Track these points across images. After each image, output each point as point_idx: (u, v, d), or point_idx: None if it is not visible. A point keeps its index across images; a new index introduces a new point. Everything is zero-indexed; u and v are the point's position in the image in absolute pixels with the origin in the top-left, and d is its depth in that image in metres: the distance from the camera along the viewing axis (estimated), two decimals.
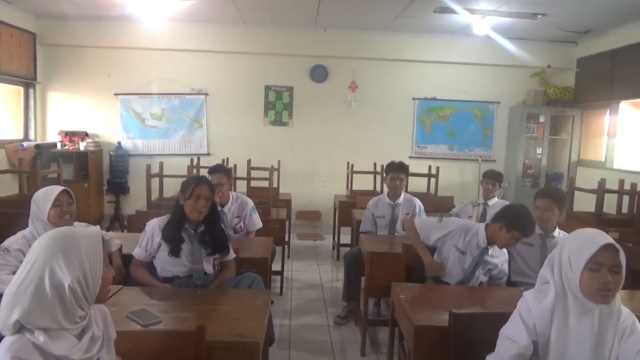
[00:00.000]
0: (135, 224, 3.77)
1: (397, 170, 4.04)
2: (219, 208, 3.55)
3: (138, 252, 2.64)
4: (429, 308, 2.28)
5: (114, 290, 2.23)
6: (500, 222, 2.60)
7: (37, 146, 6.29)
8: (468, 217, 4.13)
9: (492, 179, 4.21)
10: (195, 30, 6.76)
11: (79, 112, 6.89)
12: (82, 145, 6.60)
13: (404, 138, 7.24)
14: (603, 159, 6.51)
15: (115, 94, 6.89)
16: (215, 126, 7.07)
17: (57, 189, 2.43)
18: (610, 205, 4.85)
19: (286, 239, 4.96)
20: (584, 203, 5.15)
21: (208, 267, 2.64)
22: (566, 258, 1.58)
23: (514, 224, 2.54)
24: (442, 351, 1.91)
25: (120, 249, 2.77)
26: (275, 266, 4.14)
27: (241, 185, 5.33)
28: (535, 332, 1.59)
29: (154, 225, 2.64)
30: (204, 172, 5.04)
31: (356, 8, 5.83)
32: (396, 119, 7.19)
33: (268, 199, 4.68)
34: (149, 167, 4.65)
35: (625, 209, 4.79)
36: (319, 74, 7.05)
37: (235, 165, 5.90)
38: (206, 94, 7.02)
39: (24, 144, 6.18)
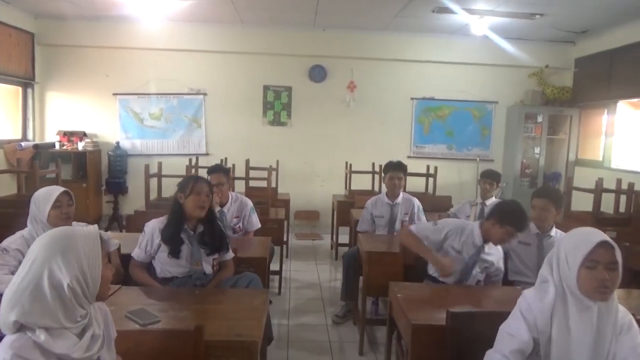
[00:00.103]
0: (134, 224, 3.78)
1: (395, 170, 4.05)
2: (218, 208, 3.57)
3: (137, 253, 2.64)
4: (426, 307, 2.29)
5: (112, 290, 2.23)
6: (493, 219, 2.62)
7: (36, 146, 6.29)
8: (466, 216, 4.14)
9: (489, 178, 4.23)
10: (194, 30, 6.77)
11: (78, 112, 6.89)
12: (80, 145, 6.60)
13: (402, 138, 7.25)
14: (601, 159, 6.53)
15: (113, 94, 6.89)
16: (213, 126, 7.08)
17: (57, 190, 2.42)
18: (607, 204, 4.87)
19: (284, 239, 4.97)
20: (582, 202, 5.17)
21: (207, 268, 2.65)
22: (563, 257, 1.59)
23: (506, 219, 2.57)
24: (440, 350, 1.92)
25: (118, 249, 2.78)
26: (274, 266, 4.15)
27: (239, 185, 5.34)
28: (536, 329, 1.60)
29: (154, 226, 2.64)
30: (202, 172, 5.05)
31: (354, 8, 5.84)
32: (394, 118, 7.20)
33: (266, 199, 4.69)
34: (147, 167, 4.66)
35: (622, 209, 4.81)
36: (317, 74, 7.06)
37: (233, 165, 5.91)
38: (205, 94, 7.03)
39: (23, 144, 6.18)
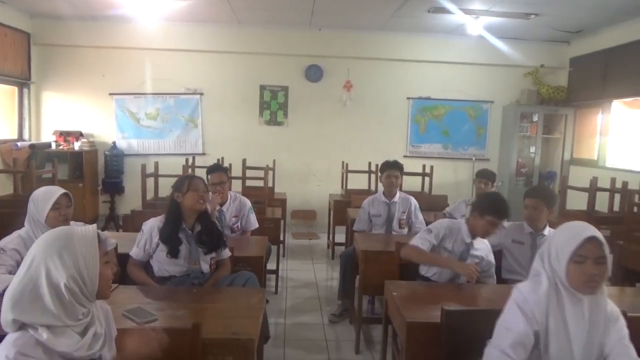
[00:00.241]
0: (131, 223, 3.79)
1: (392, 168, 4.08)
2: (218, 207, 3.59)
3: (136, 252, 2.65)
4: (421, 305, 2.31)
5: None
6: (475, 212, 2.69)
7: (32, 146, 6.28)
8: (462, 215, 4.16)
9: (485, 178, 4.25)
10: (190, 30, 6.77)
11: (74, 112, 6.88)
12: (76, 145, 6.59)
13: (398, 137, 7.28)
14: (595, 158, 6.58)
15: (110, 94, 6.89)
16: (210, 126, 7.08)
17: (57, 192, 2.42)
18: (602, 203, 4.91)
19: (281, 238, 4.98)
20: (577, 201, 5.21)
21: (205, 267, 2.67)
22: (554, 251, 1.63)
23: (486, 209, 2.63)
24: (435, 347, 1.94)
25: (115, 249, 2.78)
26: (271, 265, 4.17)
27: (236, 185, 5.33)
28: (535, 321, 1.62)
29: (152, 225, 2.66)
30: (199, 172, 5.05)
31: (351, 8, 5.86)
32: (391, 118, 7.22)
33: (263, 199, 4.70)
34: (144, 166, 4.67)
35: (617, 207, 4.85)
36: (313, 73, 7.07)
37: (230, 165, 5.90)
38: (201, 94, 7.03)
39: (19, 144, 6.17)
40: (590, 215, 4.55)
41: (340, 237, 5.43)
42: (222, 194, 3.67)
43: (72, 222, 2.47)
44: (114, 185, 6.77)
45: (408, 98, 7.24)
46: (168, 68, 6.91)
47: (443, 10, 5.65)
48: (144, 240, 2.64)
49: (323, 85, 7.10)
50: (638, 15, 5.56)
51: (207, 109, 7.06)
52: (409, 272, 2.89)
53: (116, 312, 1.94)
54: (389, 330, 2.62)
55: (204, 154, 6.99)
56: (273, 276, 4.52)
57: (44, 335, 1.27)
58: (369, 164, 6.24)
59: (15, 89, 6.54)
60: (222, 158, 6.34)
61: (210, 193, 3.59)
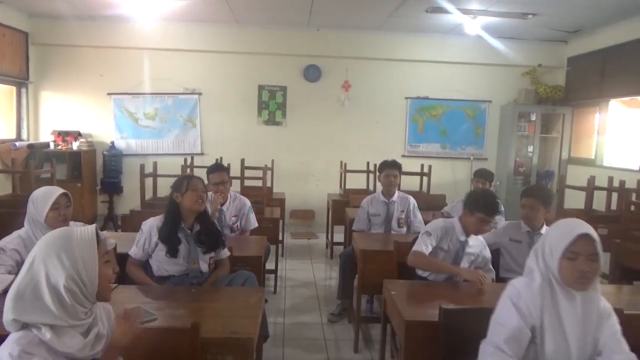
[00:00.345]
0: (130, 223, 3.79)
1: (391, 167, 4.10)
2: (219, 207, 3.60)
3: (135, 252, 2.66)
4: (419, 304, 2.33)
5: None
6: (465, 210, 2.72)
7: (30, 146, 6.28)
8: (460, 215, 4.17)
9: (482, 178, 4.26)
10: (189, 29, 6.77)
11: (72, 111, 6.88)
12: (75, 145, 6.59)
13: (396, 137, 7.29)
14: (593, 157, 6.60)
15: (108, 94, 6.89)
16: (208, 126, 7.09)
17: (56, 191, 2.42)
18: (600, 202, 4.93)
19: (280, 238, 4.99)
20: (575, 200, 5.22)
21: (204, 266, 2.68)
22: (547, 248, 1.65)
23: (474, 207, 2.67)
24: (433, 346, 1.95)
25: (114, 248, 2.79)
26: (270, 265, 4.17)
27: (235, 185, 5.32)
28: (531, 316, 1.63)
29: (152, 225, 2.67)
30: (197, 172, 5.07)
31: (349, 8, 5.87)
32: (389, 118, 7.24)
33: (262, 198, 4.70)
34: (142, 166, 4.67)
35: (614, 206, 4.86)
36: (312, 73, 7.08)
37: (229, 165, 5.89)
38: (200, 94, 7.03)
39: (17, 143, 6.17)
40: (587, 214, 4.57)
41: (339, 236, 5.43)
42: (224, 194, 3.69)
43: (71, 222, 2.48)
44: (112, 185, 6.77)
45: (406, 98, 7.25)
46: (166, 68, 6.91)
47: (441, 10, 5.67)
48: (143, 240, 2.65)
49: (321, 85, 7.11)
50: (635, 15, 5.58)
51: (205, 109, 7.06)
52: (407, 271, 2.89)
53: (116, 311, 1.95)
54: (388, 329, 2.63)
55: (202, 153, 6.99)
56: (272, 276, 4.53)
57: (47, 335, 1.28)
58: (367, 163, 6.25)
59: (14, 88, 6.54)
60: (221, 158, 6.34)
61: (211, 193, 3.63)
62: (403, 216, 4.09)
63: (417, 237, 2.87)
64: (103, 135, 6.95)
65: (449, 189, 6.32)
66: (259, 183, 4.92)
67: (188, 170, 5.60)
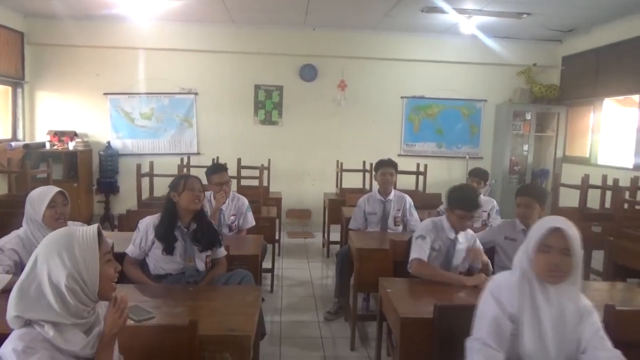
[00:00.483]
0: (127, 223, 3.80)
1: (387, 166, 4.13)
2: (220, 206, 3.64)
3: (132, 250, 2.67)
4: (415, 301, 2.35)
5: None
6: (447, 207, 2.77)
7: (26, 146, 6.27)
8: None
9: (477, 177, 4.29)
10: (185, 29, 6.78)
11: (68, 111, 6.88)
12: (71, 145, 6.59)
13: (392, 136, 7.32)
14: (588, 155, 6.64)
15: (104, 94, 6.88)
16: (205, 125, 7.09)
17: (52, 190, 2.43)
18: (594, 200, 4.96)
19: (277, 237, 5.01)
20: (569, 198, 5.26)
21: (200, 264, 2.69)
22: (527, 242, 1.69)
23: (453, 203, 2.72)
24: (428, 343, 1.97)
25: (111, 248, 2.79)
26: (266, 264, 4.19)
27: (232, 185, 5.35)
28: (510, 306, 1.65)
29: (148, 223, 2.68)
30: (194, 171, 5.08)
31: (344, 7, 5.88)
32: (385, 117, 7.26)
33: (258, 198, 4.72)
34: (139, 166, 4.67)
35: (608, 204, 4.90)
36: (308, 73, 7.09)
37: (225, 164, 5.92)
38: (196, 94, 7.04)
39: (13, 143, 6.15)
40: (582, 213, 4.60)
41: (335, 235, 5.45)
42: (227, 193, 3.72)
43: (70, 222, 2.49)
44: (108, 185, 6.77)
45: (402, 97, 7.27)
46: (162, 68, 6.92)
47: (436, 10, 5.69)
48: (140, 238, 2.66)
49: (317, 84, 7.13)
50: (629, 14, 5.63)
51: (201, 109, 7.06)
52: (403, 269, 2.91)
53: None
54: (384, 326, 2.65)
55: (198, 153, 7.00)
56: (269, 275, 4.54)
57: (50, 332, 1.31)
58: (364, 163, 6.27)
59: (9, 88, 6.53)
60: (217, 157, 6.35)
61: (210, 193, 3.66)
62: (399, 215, 4.11)
63: (412, 237, 2.87)
64: (99, 135, 6.95)
65: (444, 188, 6.20)
66: (256, 182, 4.93)
67: (184, 170, 5.61)
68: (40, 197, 2.40)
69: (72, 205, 2.53)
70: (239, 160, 5.55)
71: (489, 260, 2.84)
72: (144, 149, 6.99)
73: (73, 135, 6.73)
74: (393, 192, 4.15)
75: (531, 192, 3.04)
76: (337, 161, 6.47)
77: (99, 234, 1.44)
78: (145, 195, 4.76)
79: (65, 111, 6.87)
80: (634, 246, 3.54)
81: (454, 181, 7.24)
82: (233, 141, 7.02)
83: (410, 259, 2.72)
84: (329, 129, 7.20)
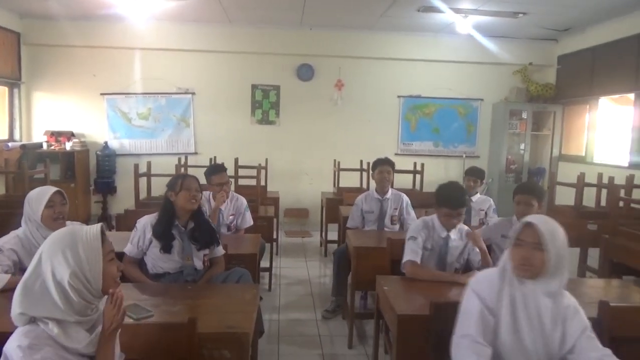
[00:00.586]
0: (124, 223, 3.80)
1: (384, 164, 4.16)
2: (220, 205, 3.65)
3: (129, 249, 2.68)
4: (411, 299, 2.36)
5: None
6: (434, 205, 2.79)
7: (23, 146, 6.27)
8: None
9: (473, 176, 4.30)
10: (182, 29, 6.78)
11: (65, 112, 6.88)
12: (68, 146, 6.59)
13: (389, 135, 7.34)
14: (583, 154, 6.68)
15: (101, 94, 6.89)
16: (202, 125, 7.10)
17: (50, 190, 2.44)
18: (590, 198, 4.99)
19: (274, 236, 5.02)
20: (566, 197, 5.29)
21: (198, 263, 2.70)
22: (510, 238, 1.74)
23: (438, 202, 2.74)
24: (425, 339, 1.98)
25: None
26: (264, 263, 4.20)
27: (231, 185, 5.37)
28: (490, 300, 1.68)
29: (146, 222, 2.69)
30: (191, 171, 5.06)
31: (341, 7, 5.90)
32: (382, 116, 7.29)
33: (256, 197, 4.73)
34: (136, 166, 4.68)
35: (603, 202, 4.93)
36: (305, 72, 7.11)
37: (223, 164, 5.93)
38: (193, 93, 7.04)
39: (9, 144, 6.16)
40: (578, 211, 4.63)
41: (333, 234, 5.47)
42: (228, 193, 3.74)
43: (68, 222, 2.49)
44: (106, 185, 6.77)
45: (399, 96, 7.30)
46: (159, 68, 6.92)
47: (432, 9, 5.72)
48: (138, 237, 2.68)
49: (314, 84, 7.14)
50: (624, 13, 5.66)
51: (199, 109, 7.07)
52: (400, 267, 2.93)
53: None
54: (381, 324, 2.66)
55: (196, 153, 7.01)
56: (266, 274, 4.56)
57: (54, 330, 1.33)
58: (361, 162, 6.29)
59: (6, 89, 6.52)
60: (215, 157, 6.35)
61: (209, 193, 3.68)
62: (396, 213, 4.13)
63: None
64: (96, 135, 6.95)
65: None
66: (253, 182, 4.94)
67: (182, 169, 5.61)
68: (38, 197, 2.41)
69: (70, 205, 2.53)
70: (236, 160, 5.56)
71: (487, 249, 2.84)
72: (142, 149, 7.00)
73: (70, 135, 6.73)
74: (390, 190, 4.17)
75: (530, 189, 3.05)
76: (335, 160, 6.48)
77: (102, 233, 1.46)
78: (142, 195, 4.76)
79: (62, 111, 6.87)
80: (630, 244, 3.57)
81: (451, 179, 7.26)
82: (230, 141, 7.03)
83: (403, 261, 2.72)
84: (326, 129, 7.22)
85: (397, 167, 4.43)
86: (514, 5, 5.49)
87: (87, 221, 6.54)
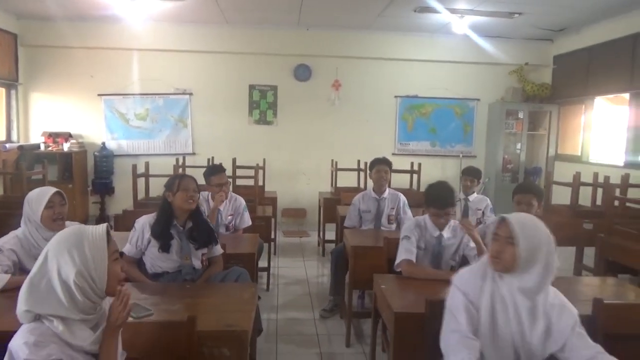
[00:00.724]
0: (123, 223, 3.81)
1: (381, 163, 4.19)
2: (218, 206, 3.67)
3: (128, 249, 2.70)
4: (408, 297, 2.38)
5: None
6: (424, 205, 2.82)
7: (21, 147, 6.26)
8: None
9: (470, 175, 4.33)
10: (179, 30, 6.79)
11: (62, 113, 6.88)
12: (66, 146, 6.59)
13: (386, 135, 7.36)
14: (579, 153, 6.72)
15: (98, 95, 6.89)
16: (200, 126, 7.11)
17: (50, 191, 2.46)
18: (586, 198, 5.02)
19: (272, 236, 5.04)
20: (562, 196, 5.31)
21: (197, 262, 2.72)
22: None
23: (427, 202, 2.78)
24: (422, 337, 2.00)
25: None
26: (262, 263, 4.22)
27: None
28: (473, 294, 1.71)
29: (144, 222, 2.71)
30: (189, 172, 5.09)
31: (338, 7, 5.92)
32: (379, 116, 7.31)
33: (254, 197, 4.74)
34: (135, 166, 4.69)
35: (599, 201, 4.96)
36: (302, 73, 7.13)
37: (220, 164, 5.94)
38: (190, 94, 7.06)
39: (7, 145, 6.16)
40: (573, 210, 4.66)
41: (331, 234, 5.48)
42: (227, 194, 3.76)
43: (67, 222, 2.51)
44: (103, 186, 6.78)
45: (395, 96, 7.33)
46: (157, 68, 6.93)
47: (429, 10, 5.75)
48: (136, 237, 2.69)
49: (312, 84, 7.16)
50: (619, 13, 5.70)
51: (196, 109, 7.08)
52: (394, 267, 2.95)
53: None
54: (379, 323, 2.68)
55: (194, 153, 7.02)
56: (264, 273, 4.57)
57: (59, 327, 1.35)
58: (358, 162, 6.31)
59: (3, 90, 6.52)
60: (212, 158, 6.37)
61: (208, 193, 3.70)
62: (393, 213, 4.15)
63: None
64: (94, 136, 6.95)
65: None
66: (251, 182, 4.96)
67: (180, 170, 5.62)
68: (38, 198, 2.42)
69: (68, 206, 2.55)
70: (234, 160, 5.58)
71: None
72: (139, 149, 7.00)
73: (68, 136, 6.74)
74: (387, 190, 4.20)
75: (530, 189, 3.06)
76: (332, 160, 6.50)
77: (108, 233, 1.48)
78: (140, 195, 4.77)
79: (59, 112, 6.87)
80: (625, 242, 3.60)
81: (448, 179, 7.14)
82: (228, 141, 7.04)
83: (398, 260, 2.72)
84: (324, 129, 7.24)
85: (394, 167, 4.46)
86: (510, 5, 5.52)
87: (84, 222, 6.53)
